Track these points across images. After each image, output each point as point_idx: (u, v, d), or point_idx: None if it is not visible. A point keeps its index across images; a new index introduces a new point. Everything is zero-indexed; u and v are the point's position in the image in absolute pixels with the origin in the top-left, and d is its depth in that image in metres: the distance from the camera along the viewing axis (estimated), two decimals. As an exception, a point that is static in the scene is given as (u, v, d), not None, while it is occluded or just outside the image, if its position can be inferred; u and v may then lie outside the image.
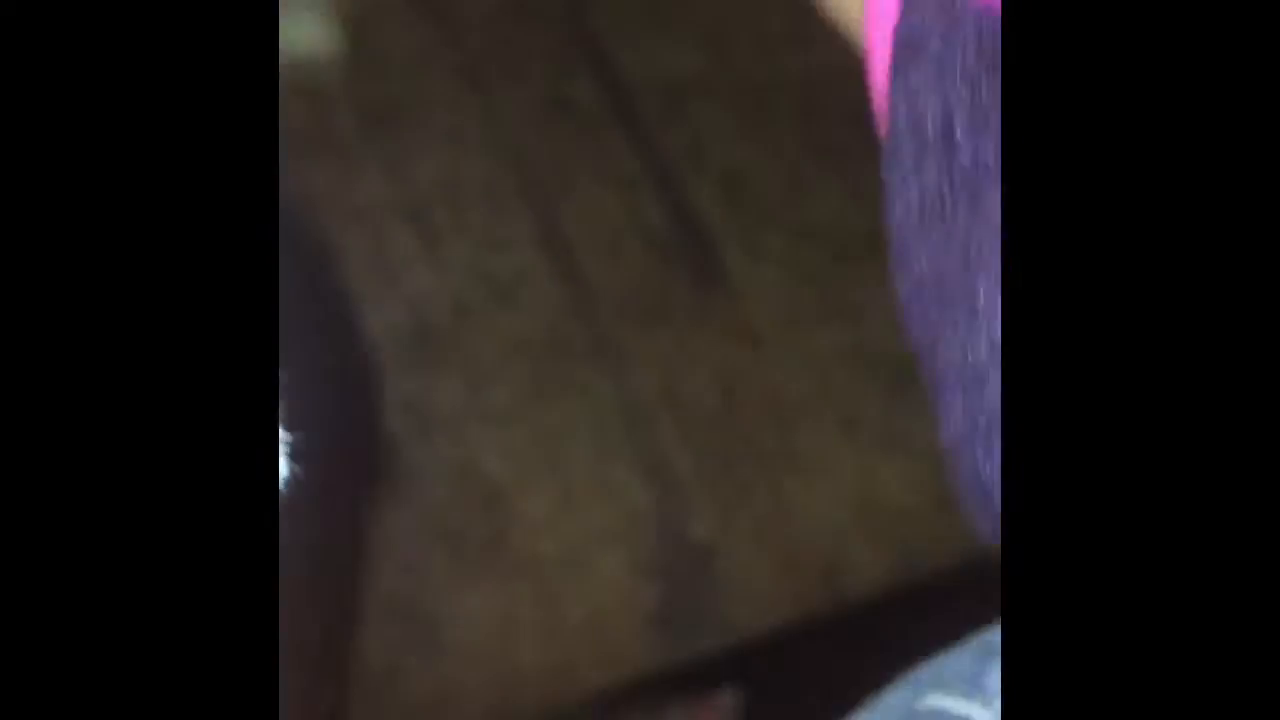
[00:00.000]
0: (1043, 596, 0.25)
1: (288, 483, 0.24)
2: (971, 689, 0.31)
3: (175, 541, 0.21)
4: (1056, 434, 0.25)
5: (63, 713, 0.20)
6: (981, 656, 0.32)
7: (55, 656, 0.21)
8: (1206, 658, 0.23)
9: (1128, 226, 0.25)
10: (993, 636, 0.32)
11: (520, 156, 0.63)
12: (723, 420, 0.64)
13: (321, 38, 0.61)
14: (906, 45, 0.32)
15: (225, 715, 0.21)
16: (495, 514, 0.61)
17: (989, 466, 0.28)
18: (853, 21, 0.42)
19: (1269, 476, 0.24)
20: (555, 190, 0.68)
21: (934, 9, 0.31)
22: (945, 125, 0.31)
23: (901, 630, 0.40)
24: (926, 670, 0.32)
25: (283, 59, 0.58)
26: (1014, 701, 0.24)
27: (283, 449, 0.24)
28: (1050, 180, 0.26)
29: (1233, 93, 0.25)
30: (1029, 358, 0.25)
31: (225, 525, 0.21)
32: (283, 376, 0.24)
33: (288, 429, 0.24)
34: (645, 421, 0.64)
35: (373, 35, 0.71)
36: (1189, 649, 0.24)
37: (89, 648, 0.21)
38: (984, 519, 0.29)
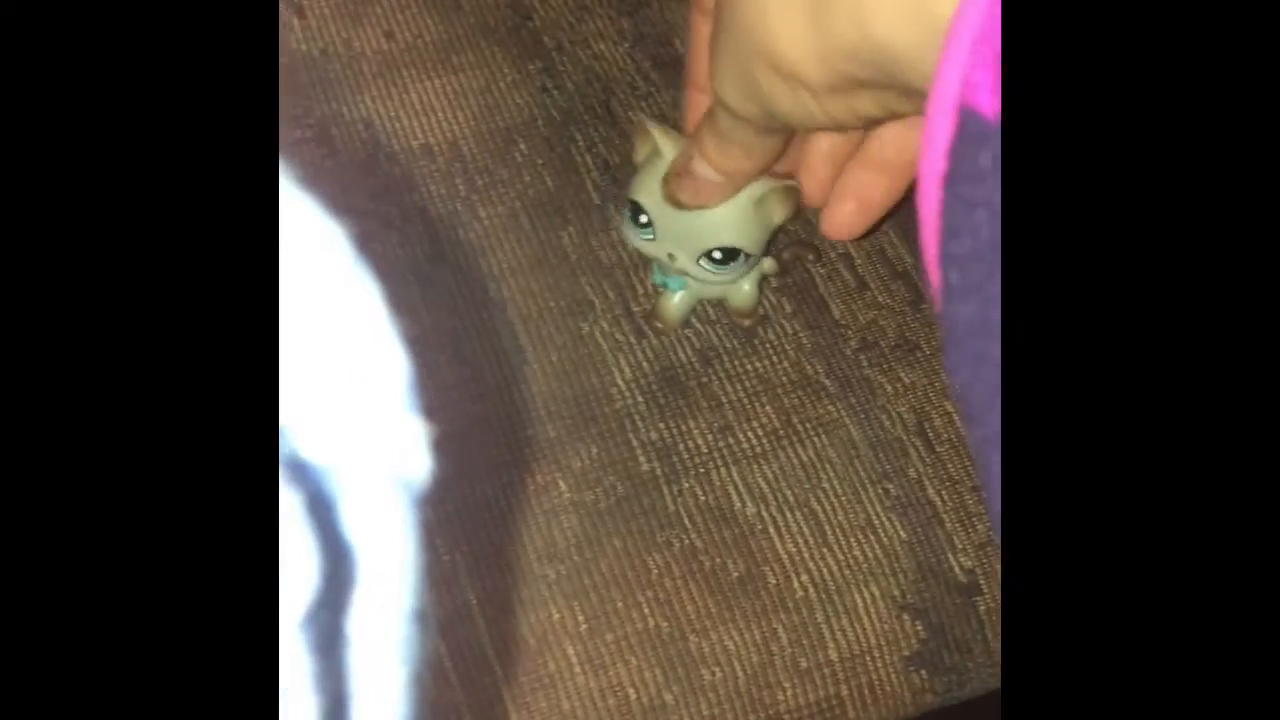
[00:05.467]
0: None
1: (430, 470, 0.25)
2: None
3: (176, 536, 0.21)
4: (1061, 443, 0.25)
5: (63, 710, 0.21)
6: None
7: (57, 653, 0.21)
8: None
9: (1128, 238, 0.25)
10: None
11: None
12: (978, 451, 0.63)
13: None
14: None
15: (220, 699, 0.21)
16: (750, 552, 0.61)
17: None
18: None
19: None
20: (794, 233, 0.69)
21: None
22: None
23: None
24: None
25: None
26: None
27: (426, 438, 0.25)
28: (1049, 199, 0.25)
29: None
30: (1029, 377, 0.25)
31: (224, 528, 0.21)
32: (422, 374, 0.25)
33: (429, 420, 0.25)
34: (897, 456, 0.63)
35: (618, 104, 0.74)
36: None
37: (90, 645, 0.21)
38: None
